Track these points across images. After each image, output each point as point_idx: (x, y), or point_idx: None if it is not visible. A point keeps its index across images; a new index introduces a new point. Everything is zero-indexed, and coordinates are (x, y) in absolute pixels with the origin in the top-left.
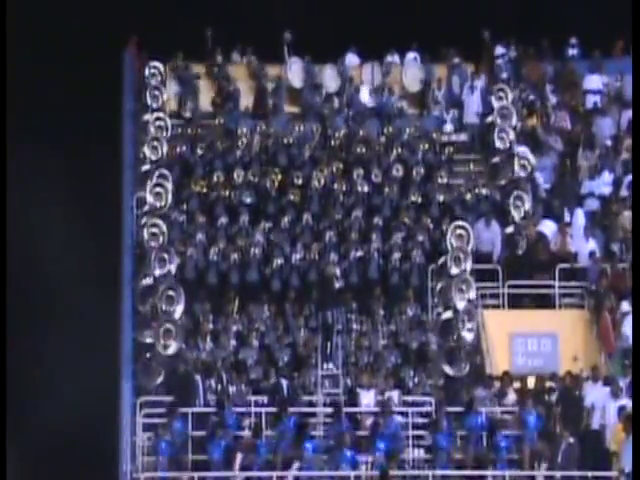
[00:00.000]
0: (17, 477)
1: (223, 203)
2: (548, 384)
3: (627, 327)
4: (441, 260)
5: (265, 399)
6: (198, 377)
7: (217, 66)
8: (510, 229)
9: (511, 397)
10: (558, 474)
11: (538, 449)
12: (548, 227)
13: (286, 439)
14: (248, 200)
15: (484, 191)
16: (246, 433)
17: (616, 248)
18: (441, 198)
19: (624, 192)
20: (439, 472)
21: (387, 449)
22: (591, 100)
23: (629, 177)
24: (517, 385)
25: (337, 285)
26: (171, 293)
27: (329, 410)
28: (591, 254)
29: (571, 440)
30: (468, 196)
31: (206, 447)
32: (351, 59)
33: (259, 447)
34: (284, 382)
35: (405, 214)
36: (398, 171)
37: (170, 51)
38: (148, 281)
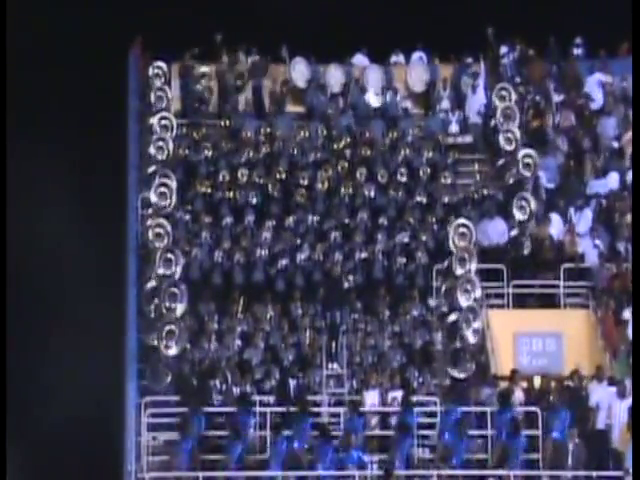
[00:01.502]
0: (21, 477)
1: (228, 203)
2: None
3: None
4: (446, 261)
5: (270, 399)
6: (206, 378)
7: (223, 66)
8: (515, 229)
9: (518, 396)
10: (563, 474)
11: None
12: (553, 227)
13: (302, 439)
14: (253, 200)
15: (486, 191)
16: (263, 433)
17: (622, 248)
18: (446, 199)
19: (626, 192)
20: (444, 472)
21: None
22: (588, 101)
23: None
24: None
25: (345, 285)
26: (176, 292)
27: (345, 409)
28: (598, 254)
29: (576, 440)
30: (473, 196)
31: (222, 448)
32: (360, 60)
33: (277, 446)
34: (295, 382)
35: (410, 214)
36: (402, 175)
37: (175, 51)
38: (153, 281)
